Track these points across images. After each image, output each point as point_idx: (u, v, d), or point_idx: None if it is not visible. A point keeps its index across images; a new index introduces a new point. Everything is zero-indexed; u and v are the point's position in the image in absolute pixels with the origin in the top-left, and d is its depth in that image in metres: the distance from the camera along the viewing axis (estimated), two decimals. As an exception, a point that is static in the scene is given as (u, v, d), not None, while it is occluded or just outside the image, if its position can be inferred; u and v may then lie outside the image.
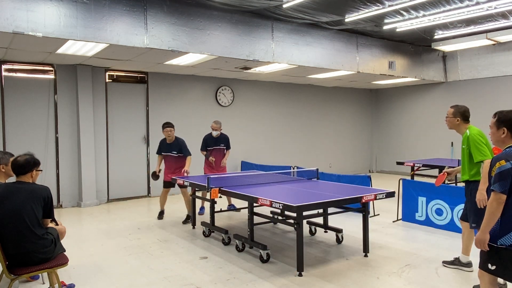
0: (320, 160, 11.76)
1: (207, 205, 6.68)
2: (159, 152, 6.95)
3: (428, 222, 6.15)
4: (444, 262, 4.55)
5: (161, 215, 6.93)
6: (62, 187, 8.04)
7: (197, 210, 7.05)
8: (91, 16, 5.82)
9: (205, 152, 7.40)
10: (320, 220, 5.70)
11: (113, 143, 8.69)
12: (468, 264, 4.37)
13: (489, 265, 2.64)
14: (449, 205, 5.92)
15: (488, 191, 2.78)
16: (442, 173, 4.53)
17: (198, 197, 6.34)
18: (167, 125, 6.77)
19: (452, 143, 11.10)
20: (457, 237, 5.62)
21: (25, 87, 7.71)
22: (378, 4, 6.71)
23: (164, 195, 6.95)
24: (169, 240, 5.69)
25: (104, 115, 8.53)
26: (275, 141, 11.14)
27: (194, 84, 9.75)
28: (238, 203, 7.17)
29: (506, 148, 2.80)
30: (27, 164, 3.44)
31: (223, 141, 7.48)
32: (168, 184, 6.80)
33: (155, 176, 6.87)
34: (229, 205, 7.40)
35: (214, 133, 7.32)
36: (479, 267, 2.73)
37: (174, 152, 6.75)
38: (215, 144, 7.41)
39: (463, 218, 4.31)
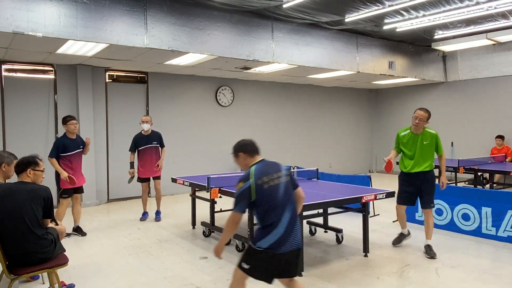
0: (320, 160, 11.75)
1: (205, 205, 6.63)
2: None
3: (428, 222, 6.15)
4: (393, 243, 5.23)
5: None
6: (62, 187, 8.04)
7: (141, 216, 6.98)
8: (91, 16, 5.82)
9: (133, 155, 6.78)
10: (320, 220, 5.70)
11: (113, 143, 8.69)
12: (409, 233, 5.32)
13: (244, 264, 2.86)
14: (449, 205, 5.92)
15: None
16: (387, 160, 5.06)
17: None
18: (71, 117, 5.85)
19: (452, 143, 11.10)
20: (457, 237, 5.64)
21: (25, 87, 7.71)
22: (378, 4, 6.71)
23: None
24: (169, 240, 5.69)
25: (104, 115, 8.53)
26: (275, 141, 11.14)
27: (194, 84, 9.75)
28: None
29: (250, 166, 2.99)
30: (21, 163, 3.48)
31: (156, 138, 6.83)
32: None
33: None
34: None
35: (145, 127, 6.70)
36: (236, 265, 2.91)
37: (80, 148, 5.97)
38: (147, 143, 6.76)
39: (404, 202, 5.11)
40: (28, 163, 3.48)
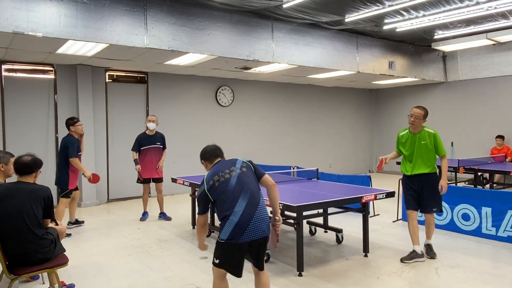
0: (320, 160, 11.76)
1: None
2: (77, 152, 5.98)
3: (428, 222, 6.15)
4: (402, 259, 4.66)
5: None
6: (62, 187, 8.03)
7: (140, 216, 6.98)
8: (91, 16, 5.82)
9: (136, 154, 6.73)
10: (320, 220, 5.70)
11: (113, 143, 8.69)
12: (423, 254, 4.72)
13: (215, 259, 2.99)
14: (449, 205, 5.92)
15: None
16: (380, 159, 4.92)
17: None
18: (78, 119, 6.06)
19: (452, 143, 11.10)
20: (457, 237, 5.64)
21: (25, 87, 7.71)
22: (378, 4, 6.71)
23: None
24: (169, 240, 5.69)
25: (104, 115, 8.53)
26: (275, 141, 11.14)
27: (194, 84, 9.75)
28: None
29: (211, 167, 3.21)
30: (34, 164, 3.45)
31: (159, 139, 6.82)
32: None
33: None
34: None
35: (151, 126, 6.66)
36: (212, 262, 3.03)
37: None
38: (151, 143, 6.74)
39: (413, 207, 4.75)
40: (40, 164, 3.50)
